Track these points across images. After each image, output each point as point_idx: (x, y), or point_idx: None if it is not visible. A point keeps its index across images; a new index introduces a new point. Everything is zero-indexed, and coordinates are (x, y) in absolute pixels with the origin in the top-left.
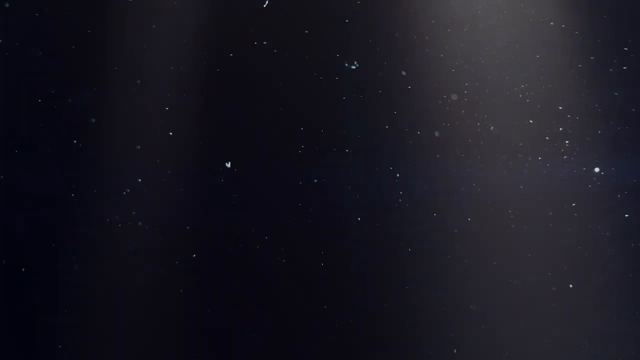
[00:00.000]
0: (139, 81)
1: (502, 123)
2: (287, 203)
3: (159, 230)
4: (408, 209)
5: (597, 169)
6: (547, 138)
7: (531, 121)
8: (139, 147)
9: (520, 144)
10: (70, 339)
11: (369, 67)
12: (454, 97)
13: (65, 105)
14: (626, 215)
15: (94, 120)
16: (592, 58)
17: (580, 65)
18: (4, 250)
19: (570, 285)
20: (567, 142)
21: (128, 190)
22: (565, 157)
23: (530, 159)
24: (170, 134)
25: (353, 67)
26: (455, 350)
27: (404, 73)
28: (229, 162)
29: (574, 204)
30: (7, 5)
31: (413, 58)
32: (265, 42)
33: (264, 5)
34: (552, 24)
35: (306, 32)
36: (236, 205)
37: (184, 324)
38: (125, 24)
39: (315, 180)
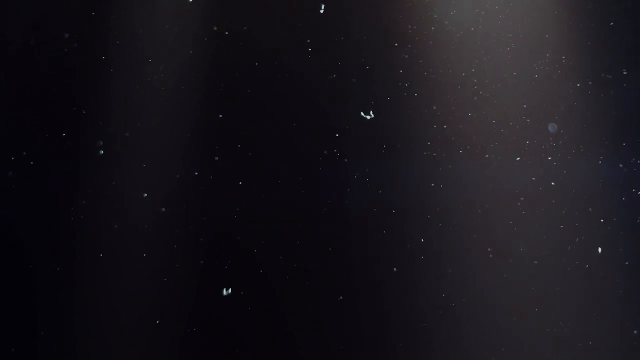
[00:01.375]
0: (149, 79)
1: (503, 123)
2: (289, 203)
3: (165, 234)
4: (410, 209)
5: (598, 168)
6: (547, 138)
7: (531, 121)
8: (160, 143)
9: (521, 144)
10: (72, 340)
11: (375, 69)
12: (552, 128)
13: (73, 106)
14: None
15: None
16: (593, 58)
17: (581, 65)
18: (6, 250)
19: (567, 285)
20: (568, 142)
21: (145, 195)
22: (566, 156)
23: (532, 158)
24: (177, 135)
25: (368, 117)
26: (460, 351)
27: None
28: (234, 164)
29: (573, 204)
30: None
31: (414, 58)
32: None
33: (321, 11)
34: (555, 23)
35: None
36: (242, 207)
37: (188, 326)
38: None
39: (319, 181)
